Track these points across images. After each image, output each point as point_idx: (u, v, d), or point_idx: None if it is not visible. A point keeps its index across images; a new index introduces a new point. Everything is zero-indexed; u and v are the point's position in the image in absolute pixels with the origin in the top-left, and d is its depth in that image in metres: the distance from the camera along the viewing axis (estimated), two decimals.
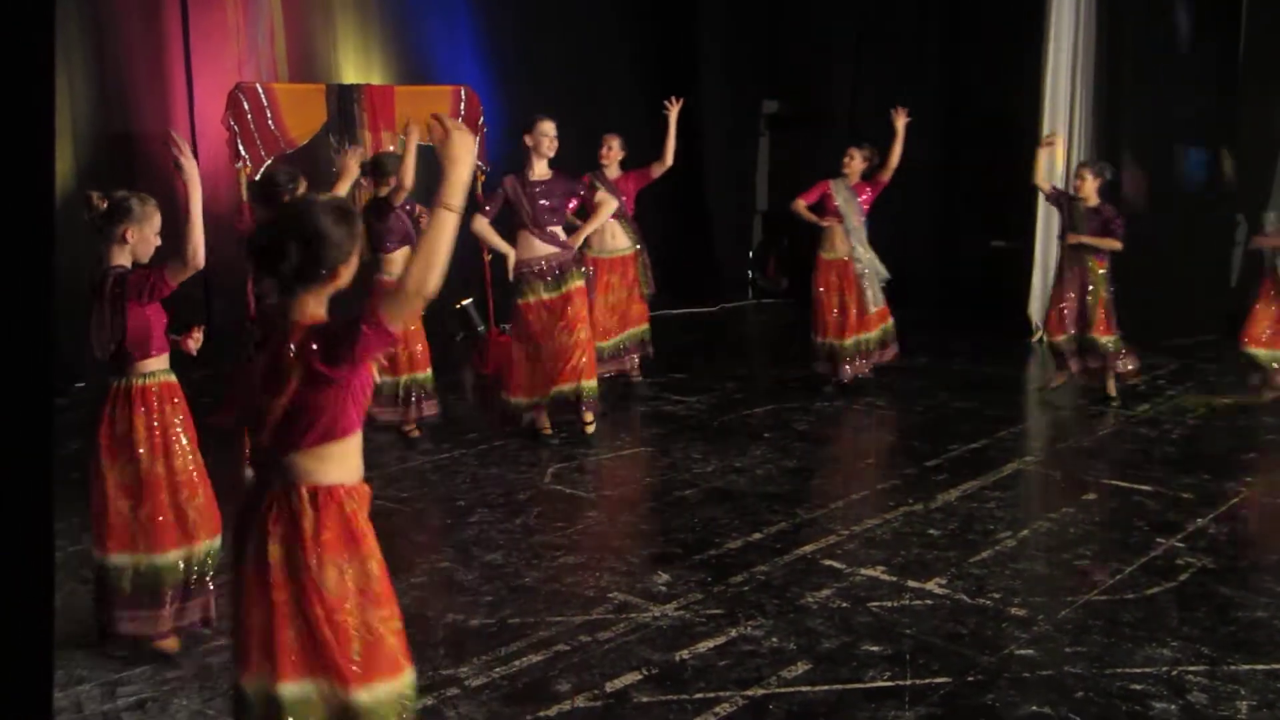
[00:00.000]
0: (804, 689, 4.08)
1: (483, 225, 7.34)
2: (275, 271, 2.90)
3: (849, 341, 8.83)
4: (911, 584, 5.06)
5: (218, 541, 4.55)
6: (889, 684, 4.11)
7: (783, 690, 4.07)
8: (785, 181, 10.78)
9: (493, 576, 5.28)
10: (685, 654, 4.39)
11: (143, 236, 4.63)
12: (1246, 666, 4.18)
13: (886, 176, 8.98)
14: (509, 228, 7.60)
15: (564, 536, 5.85)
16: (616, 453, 7.41)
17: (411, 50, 12.32)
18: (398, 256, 7.35)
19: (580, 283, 7.52)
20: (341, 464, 3.03)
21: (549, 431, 7.66)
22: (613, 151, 9.07)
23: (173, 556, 4.47)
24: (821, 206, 8.85)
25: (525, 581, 5.21)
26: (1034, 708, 3.90)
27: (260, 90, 8.85)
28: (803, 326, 9.31)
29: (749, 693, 4.05)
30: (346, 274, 2.98)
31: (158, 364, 4.73)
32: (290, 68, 11.37)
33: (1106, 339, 8.34)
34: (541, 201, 7.34)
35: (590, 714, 3.92)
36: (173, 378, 4.81)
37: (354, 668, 2.86)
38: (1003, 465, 6.98)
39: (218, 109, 9.01)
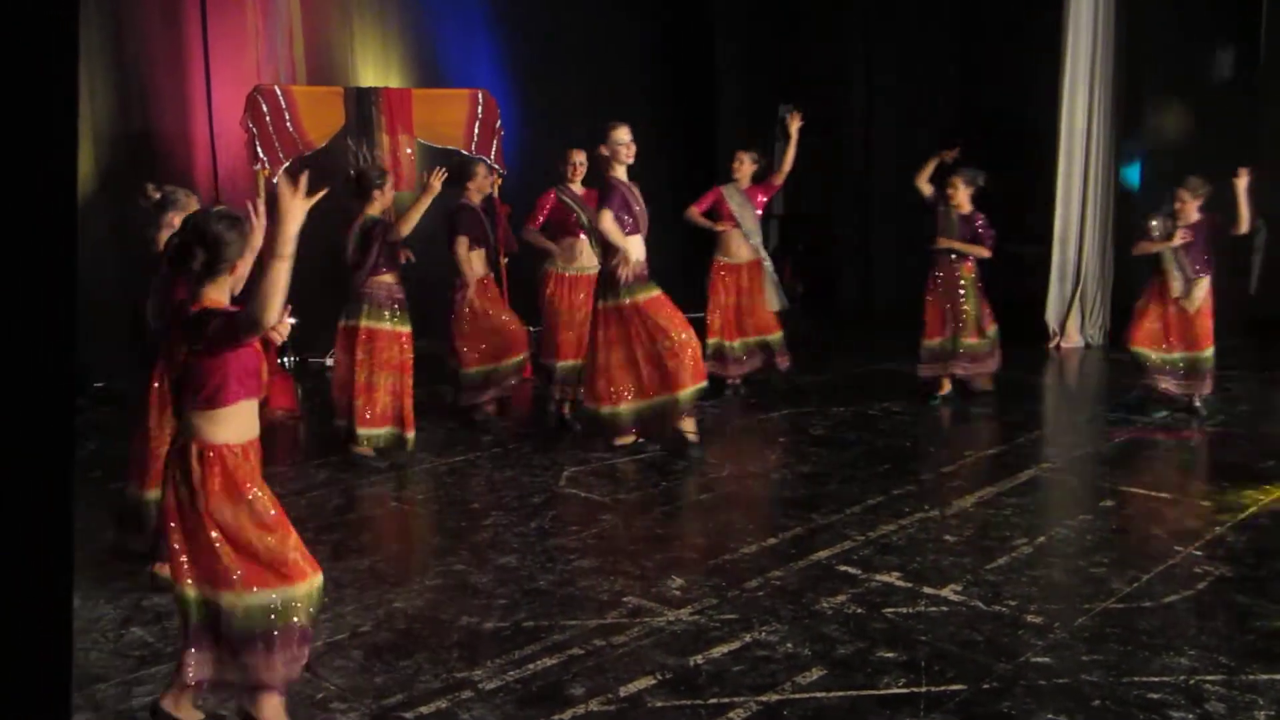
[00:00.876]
0: (819, 695, 4.07)
1: (610, 221, 7.12)
2: (186, 268, 3.72)
3: (738, 343, 9.17)
4: (927, 590, 5.05)
5: None
6: (904, 690, 4.09)
7: (797, 696, 4.06)
8: (802, 183, 10.76)
9: (507, 580, 5.29)
10: (699, 659, 4.38)
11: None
12: (1265, 676, 4.16)
13: (779, 180, 9.21)
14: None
15: (578, 540, 5.85)
16: (631, 456, 7.40)
17: (429, 54, 12.35)
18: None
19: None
20: (227, 426, 3.67)
21: (696, 437, 7.46)
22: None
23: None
24: (716, 212, 9.07)
25: (540, 585, 5.21)
26: (1050, 715, 3.88)
27: (279, 93, 8.89)
28: (818, 331, 9.30)
29: (763, 698, 4.04)
30: (242, 268, 3.87)
31: None
32: (308, 71, 11.41)
33: (977, 341, 8.74)
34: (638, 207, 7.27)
35: (604, 718, 3.92)
36: None
37: (252, 576, 3.66)
38: (1020, 472, 6.96)
39: (236, 111, 9.05)
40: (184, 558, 3.67)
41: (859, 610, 4.84)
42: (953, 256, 8.69)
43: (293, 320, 4.67)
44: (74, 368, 1.52)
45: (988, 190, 8.86)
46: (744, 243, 9.03)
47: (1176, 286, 8.16)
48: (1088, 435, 8.06)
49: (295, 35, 11.36)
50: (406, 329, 7.37)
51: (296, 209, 3.55)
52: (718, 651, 4.44)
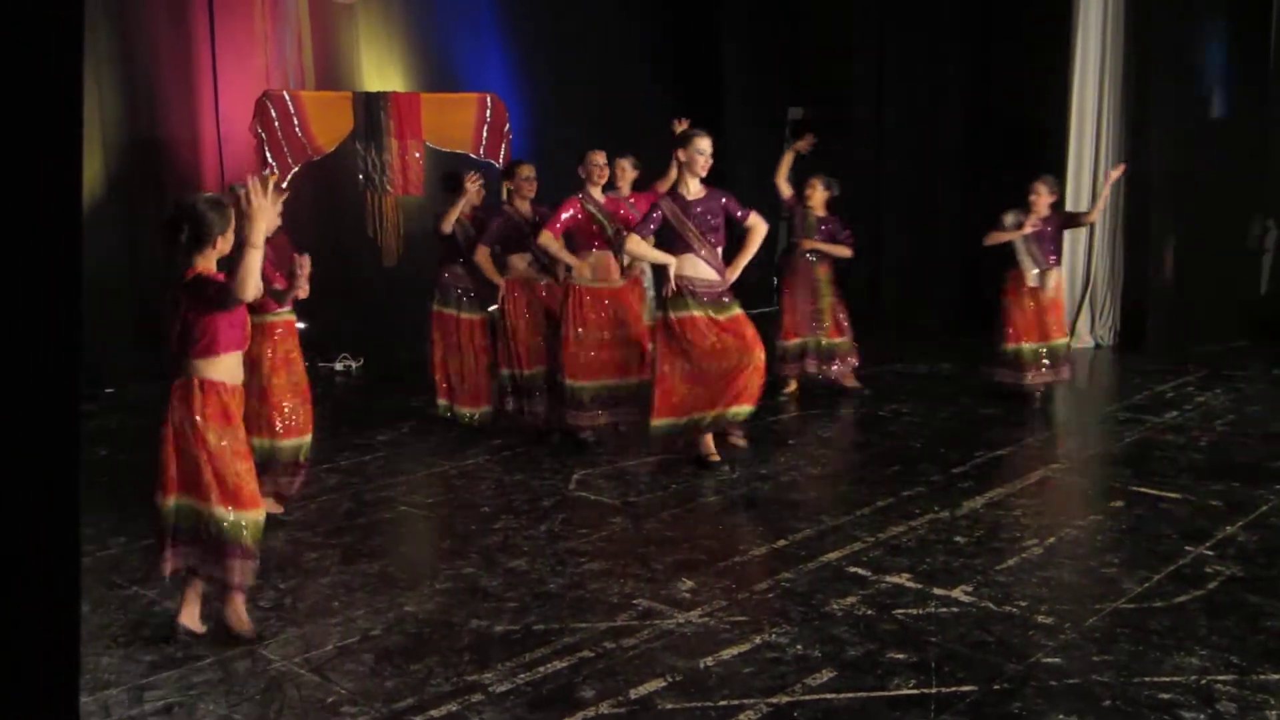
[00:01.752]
0: (829, 696, 4.06)
1: (638, 244, 6.96)
2: (176, 242, 4.54)
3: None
4: (937, 591, 5.04)
5: (308, 438, 6.33)
6: (914, 692, 4.09)
7: (807, 698, 4.05)
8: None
9: (517, 583, 5.29)
10: (710, 661, 4.38)
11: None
12: (1276, 676, 4.14)
13: (663, 187, 8.81)
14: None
15: (588, 543, 5.85)
16: (640, 459, 7.39)
17: (437, 58, 12.36)
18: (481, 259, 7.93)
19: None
20: (219, 369, 4.57)
21: (716, 458, 7.16)
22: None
23: (288, 443, 6.21)
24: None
25: (550, 588, 5.21)
26: (1061, 716, 3.87)
27: (287, 98, 8.92)
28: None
29: (773, 700, 4.04)
30: (223, 244, 4.58)
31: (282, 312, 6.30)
32: (317, 75, 11.43)
33: (838, 340, 9.04)
34: (707, 219, 6.93)
35: None
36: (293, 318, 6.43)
37: (221, 495, 4.51)
38: (1029, 472, 6.95)
39: (245, 116, 9.08)
40: (173, 472, 4.55)
41: (869, 612, 4.83)
42: (811, 257, 8.96)
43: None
44: (80, 372, 1.52)
45: (842, 196, 9.09)
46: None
47: (1031, 276, 8.56)
48: (1098, 436, 8.05)
49: (304, 40, 11.38)
50: (470, 315, 8.15)
51: (265, 208, 4.27)
52: (728, 653, 4.44)
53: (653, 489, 6.82)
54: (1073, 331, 11.42)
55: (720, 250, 7.03)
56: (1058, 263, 8.69)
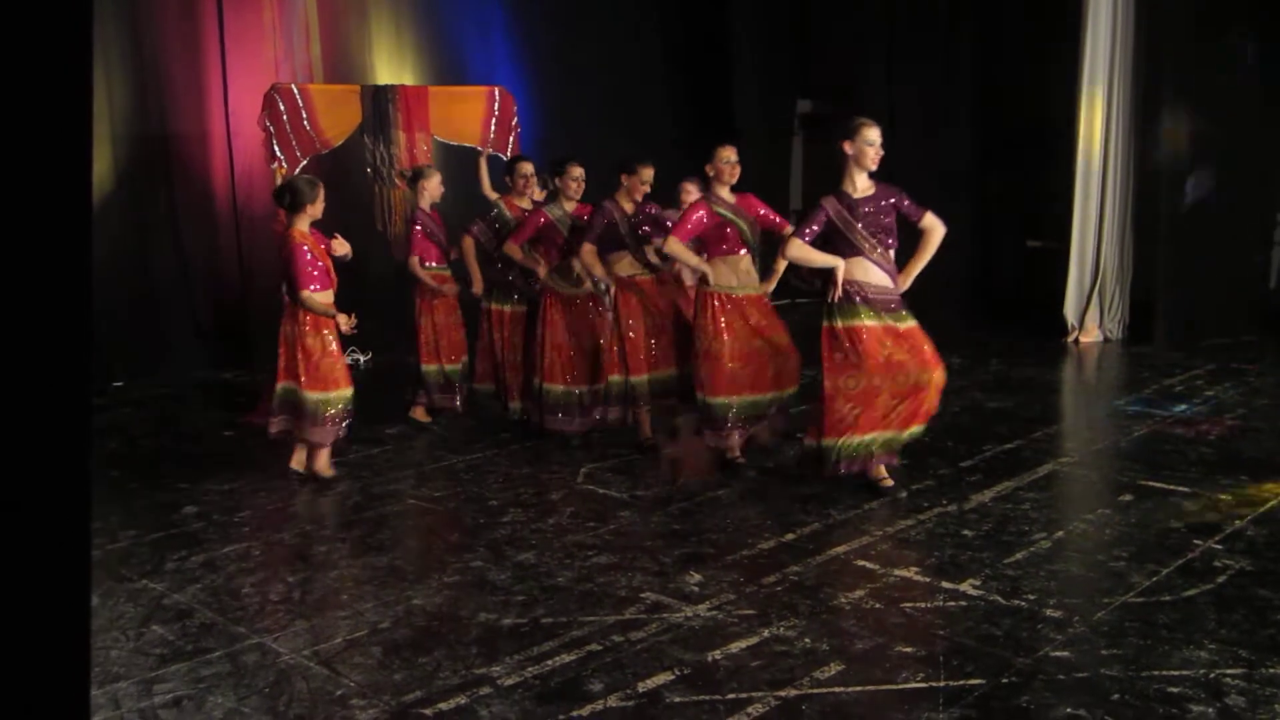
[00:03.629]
0: (837, 690, 4.07)
1: (800, 248, 6.27)
2: (282, 204, 6.81)
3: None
4: (945, 585, 5.04)
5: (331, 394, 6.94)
6: (923, 685, 4.09)
7: (816, 691, 4.06)
8: (820, 181, 10.74)
9: (525, 576, 5.30)
10: (718, 654, 4.38)
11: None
12: None
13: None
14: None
15: (596, 536, 5.85)
16: (649, 453, 7.40)
17: (445, 51, 12.37)
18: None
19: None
20: (312, 301, 6.64)
21: (890, 482, 6.46)
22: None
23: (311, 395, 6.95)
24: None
25: (558, 581, 5.22)
26: (1069, 710, 3.87)
27: (296, 91, 8.91)
28: None
29: (781, 693, 4.04)
30: (313, 210, 6.73)
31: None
32: (325, 69, 11.44)
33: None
34: (879, 218, 6.28)
35: (623, 714, 3.92)
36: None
37: (313, 381, 6.70)
38: (1038, 466, 6.94)
39: (253, 110, 9.08)
40: (283, 364, 6.77)
41: (877, 605, 4.83)
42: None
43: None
44: (90, 365, 1.53)
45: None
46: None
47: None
48: (1106, 429, 8.03)
49: (312, 34, 11.39)
50: (497, 307, 8.24)
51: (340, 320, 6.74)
52: (736, 647, 4.45)
53: (660, 482, 6.82)
54: (1081, 325, 11.43)
55: (893, 253, 6.38)
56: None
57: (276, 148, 8.71)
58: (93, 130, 1.57)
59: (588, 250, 7.37)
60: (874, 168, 6.30)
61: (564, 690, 4.11)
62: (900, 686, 4.09)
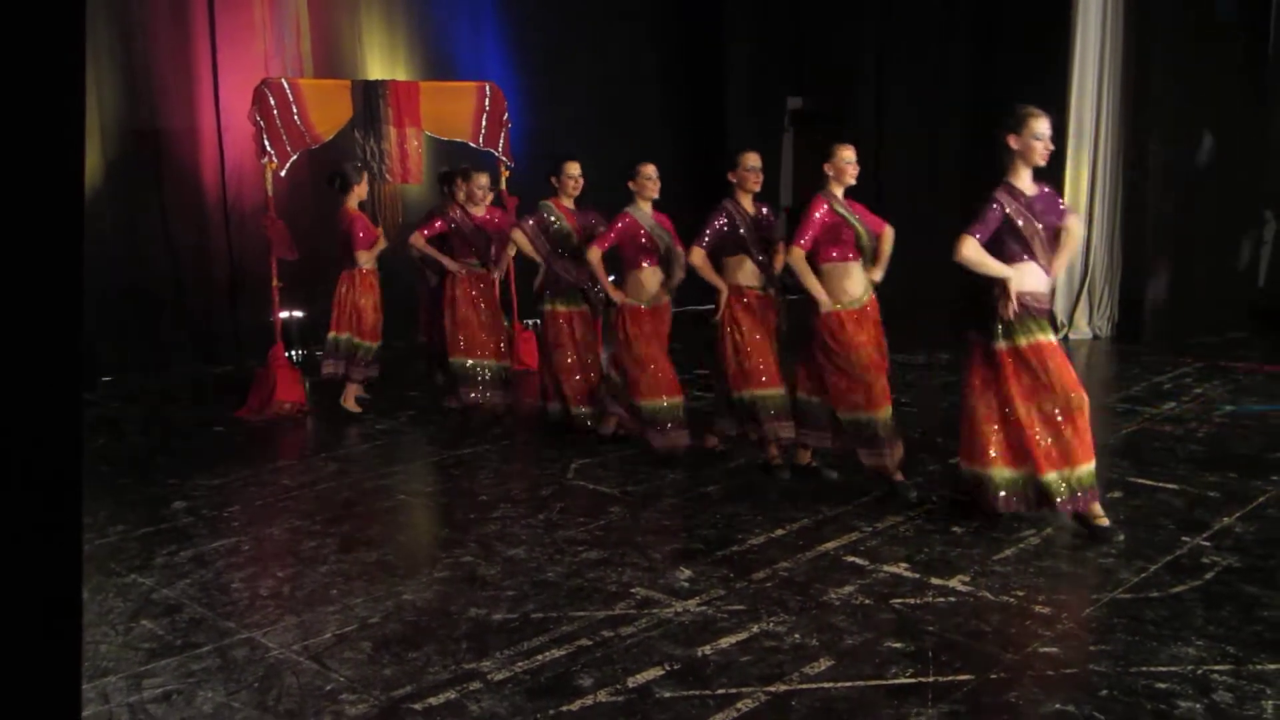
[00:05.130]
0: (826, 685, 4.07)
1: (974, 248, 5.49)
2: (333, 188, 8.62)
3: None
4: (935, 581, 5.05)
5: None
6: (911, 681, 4.09)
7: (805, 686, 4.06)
8: (810, 178, 10.75)
9: (515, 571, 5.30)
10: (707, 649, 4.39)
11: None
12: (1273, 666, 4.15)
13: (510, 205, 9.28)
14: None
15: (587, 532, 5.86)
16: (639, 448, 7.40)
17: (436, 46, 12.37)
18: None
19: None
20: (363, 259, 8.54)
21: (1105, 521, 5.59)
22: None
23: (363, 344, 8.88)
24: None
25: (548, 576, 5.22)
26: (1057, 706, 3.88)
27: (286, 86, 8.89)
28: None
29: (771, 689, 4.05)
30: (360, 190, 8.64)
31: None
32: (315, 64, 11.43)
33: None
34: (1050, 219, 5.61)
35: (612, 709, 3.93)
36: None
37: (359, 332, 8.82)
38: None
39: (244, 105, 9.08)
40: (336, 316, 8.81)
41: (867, 601, 4.84)
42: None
43: None
44: (80, 360, 1.53)
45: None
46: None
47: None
48: (1095, 427, 8.03)
49: (302, 29, 11.38)
50: (547, 307, 7.74)
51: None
52: (726, 642, 4.45)
53: (651, 478, 6.83)
54: (1070, 322, 11.45)
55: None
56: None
57: (267, 142, 8.69)
58: (85, 124, 1.57)
59: (699, 255, 6.73)
60: (1043, 163, 5.61)
61: (554, 685, 4.11)
62: (889, 682, 4.10)
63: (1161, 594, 4.85)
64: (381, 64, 11.89)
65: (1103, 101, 11.33)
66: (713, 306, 6.89)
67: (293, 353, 10.42)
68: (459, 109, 9.73)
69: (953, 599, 4.85)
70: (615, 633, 4.55)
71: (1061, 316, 11.46)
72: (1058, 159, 11.38)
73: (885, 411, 6.26)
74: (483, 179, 8.37)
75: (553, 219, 7.65)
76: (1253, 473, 6.63)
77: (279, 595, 5.08)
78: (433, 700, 4.02)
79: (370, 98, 9.32)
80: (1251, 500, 6.11)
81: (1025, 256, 5.52)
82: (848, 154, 6.41)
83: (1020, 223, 5.50)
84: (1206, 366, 9.76)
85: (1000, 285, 5.50)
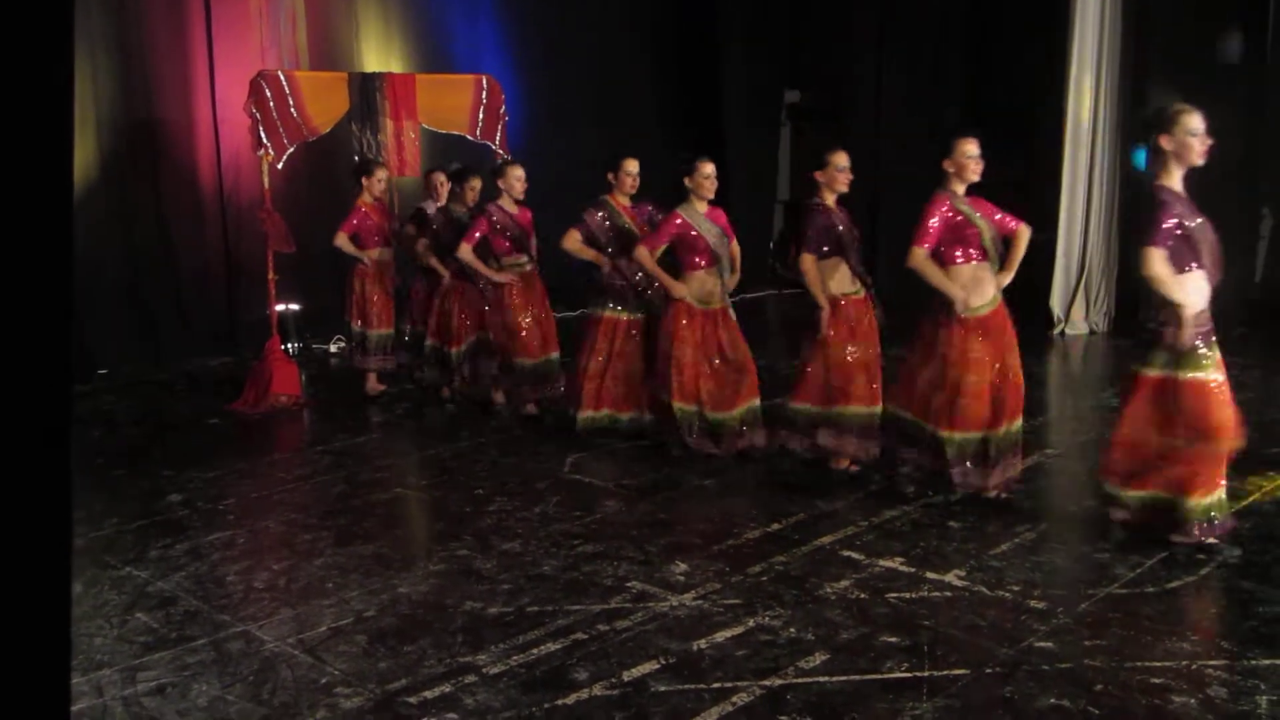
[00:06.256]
0: (822, 679, 4.07)
1: (1163, 265, 4.96)
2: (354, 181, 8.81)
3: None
4: (930, 575, 5.05)
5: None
6: (907, 675, 4.10)
7: (800, 680, 4.06)
8: (807, 171, 10.74)
9: (511, 565, 5.29)
10: (703, 643, 4.38)
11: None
12: (1267, 661, 4.15)
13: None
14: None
15: (582, 526, 5.85)
16: (634, 442, 7.39)
17: (433, 39, 12.34)
18: None
19: None
20: (338, 242, 8.58)
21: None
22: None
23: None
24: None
25: (543, 570, 5.22)
26: (1052, 700, 3.88)
27: (282, 78, 8.87)
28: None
29: (766, 683, 4.05)
30: (370, 184, 8.58)
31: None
32: (312, 56, 11.41)
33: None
34: (1209, 230, 5.11)
35: (608, 703, 3.93)
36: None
37: (366, 322, 8.79)
38: (1024, 457, 6.94)
39: (240, 97, 9.05)
40: (355, 309, 8.88)
41: (862, 595, 4.84)
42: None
43: None
44: (71, 352, 1.52)
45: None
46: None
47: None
48: (1091, 421, 8.05)
49: (299, 20, 11.35)
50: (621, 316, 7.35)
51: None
52: (721, 636, 4.45)
53: (647, 472, 6.82)
54: (1067, 317, 11.45)
55: None
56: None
57: (263, 134, 8.67)
58: (75, 116, 1.56)
59: (810, 261, 6.34)
60: (1201, 163, 5.05)
61: (549, 679, 4.11)
62: (885, 676, 4.10)
63: (1157, 589, 4.85)
64: (378, 56, 11.87)
65: (1100, 93, 11.32)
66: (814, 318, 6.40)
67: (289, 346, 10.41)
68: (456, 102, 9.71)
69: (948, 593, 4.85)
70: (610, 626, 4.55)
71: (1058, 311, 11.47)
72: (1055, 152, 11.40)
73: (1003, 427, 5.85)
74: (518, 170, 7.96)
75: (613, 219, 7.35)
76: (1248, 469, 6.61)
77: (274, 588, 5.07)
78: (428, 693, 4.01)
79: (367, 90, 9.29)
80: (1247, 496, 6.11)
81: (1194, 265, 5.02)
82: (970, 148, 5.92)
83: (1195, 232, 5.00)
84: None
85: (1174, 310, 4.98)
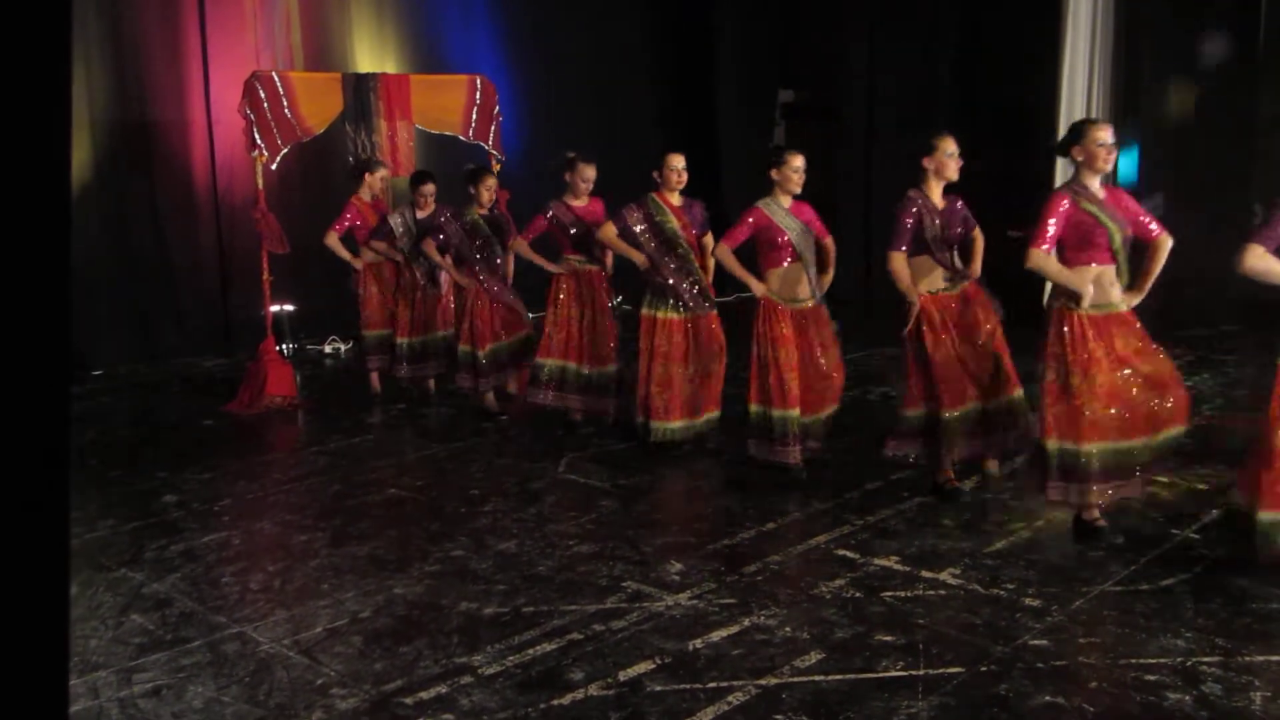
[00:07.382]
0: (817, 678, 4.08)
1: (1264, 258, 5.09)
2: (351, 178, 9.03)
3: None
4: (925, 574, 5.06)
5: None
6: (902, 674, 4.10)
7: (796, 680, 4.07)
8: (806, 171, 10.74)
9: (506, 565, 5.30)
10: (699, 643, 4.39)
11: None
12: (1261, 658, 4.17)
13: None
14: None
15: (577, 526, 5.86)
16: (629, 443, 7.39)
17: (427, 39, 12.33)
18: None
19: None
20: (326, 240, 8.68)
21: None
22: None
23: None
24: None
25: (539, 570, 5.22)
26: (1047, 698, 3.89)
27: (276, 79, 8.86)
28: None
29: (762, 682, 4.05)
30: (369, 180, 8.81)
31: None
32: (306, 57, 11.40)
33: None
34: None
35: (604, 703, 3.93)
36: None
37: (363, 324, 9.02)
38: (1017, 456, 6.95)
39: (234, 98, 9.04)
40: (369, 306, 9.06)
41: (857, 594, 4.85)
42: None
43: None
44: (68, 354, 1.52)
45: (832, 180, 8.43)
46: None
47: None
48: None
49: (293, 21, 11.34)
50: (663, 315, 7.01)
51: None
52: (716, 635, 4.46)
53: (641, 472, 6.82)
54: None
55: None
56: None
57: (257, 135, 8.66)
58: (72, 116, 1.56)
59: (898, 258, 6.00)
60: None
61: (545, 679, 4.11)
62: (880, 675, 4.11)
63: (1151, 586, 4.86)
64: (371, 57, 11.86)
65: (1093, 92, 11.33)
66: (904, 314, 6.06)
67: (283, 346, 10.40)
68: (449, 102, 9.71)
69: (943, 592, 4.86)
70: (606, 626, 4.56)
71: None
72: (1049, 153, 11.40)
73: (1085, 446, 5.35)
74: (589, 170, 7.54)
75: (655, 216, 7.03)
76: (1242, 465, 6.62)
77: (269, 589, 5.07)
78: (423, 694, 4.02)
79: (361, 91, 9.28)
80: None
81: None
82: (1101, 134, 5.50)
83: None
84: (1197, 359, 9.77)
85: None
